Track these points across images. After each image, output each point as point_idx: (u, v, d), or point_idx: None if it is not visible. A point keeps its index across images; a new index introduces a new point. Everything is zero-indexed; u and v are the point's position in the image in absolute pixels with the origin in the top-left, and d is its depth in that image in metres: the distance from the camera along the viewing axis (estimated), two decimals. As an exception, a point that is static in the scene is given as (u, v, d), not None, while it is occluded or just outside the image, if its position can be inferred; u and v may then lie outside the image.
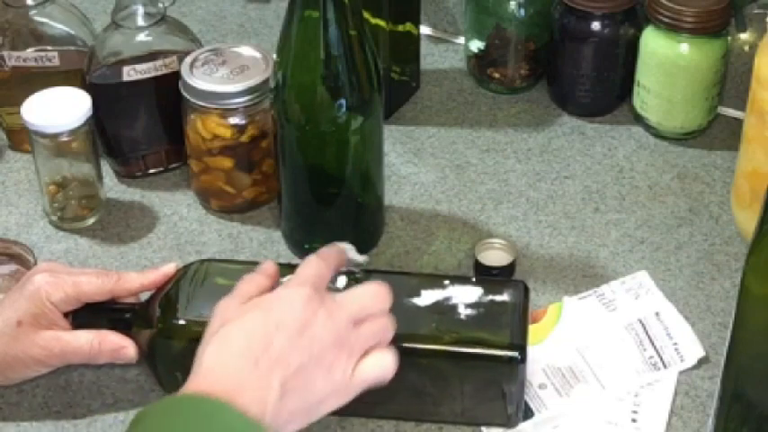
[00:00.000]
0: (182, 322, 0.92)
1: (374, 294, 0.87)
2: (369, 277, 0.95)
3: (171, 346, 0.93)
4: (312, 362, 0.82)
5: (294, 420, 0.81)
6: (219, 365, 0.81)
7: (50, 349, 0.93)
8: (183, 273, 0.96)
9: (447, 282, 0.94)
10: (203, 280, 0.95)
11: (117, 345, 0.94)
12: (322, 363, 0.82)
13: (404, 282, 0.96)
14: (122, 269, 1.09)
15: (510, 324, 0.91)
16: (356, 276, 0.95)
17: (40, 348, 0.93)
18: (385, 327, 0.86)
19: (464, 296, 0.93)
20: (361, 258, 0.94)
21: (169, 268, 0.96)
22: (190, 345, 0.92)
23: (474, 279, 0.95)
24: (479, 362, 0.89)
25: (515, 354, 0.89)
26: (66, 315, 0.94)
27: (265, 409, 0.79)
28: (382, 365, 0.85)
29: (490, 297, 0.93)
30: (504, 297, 0.93)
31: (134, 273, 0.96)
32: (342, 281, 0.93)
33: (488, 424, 0.94)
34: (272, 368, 0.80)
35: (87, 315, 0.95)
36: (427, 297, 0.93)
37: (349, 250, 0.93)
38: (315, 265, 0.88)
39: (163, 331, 0.93)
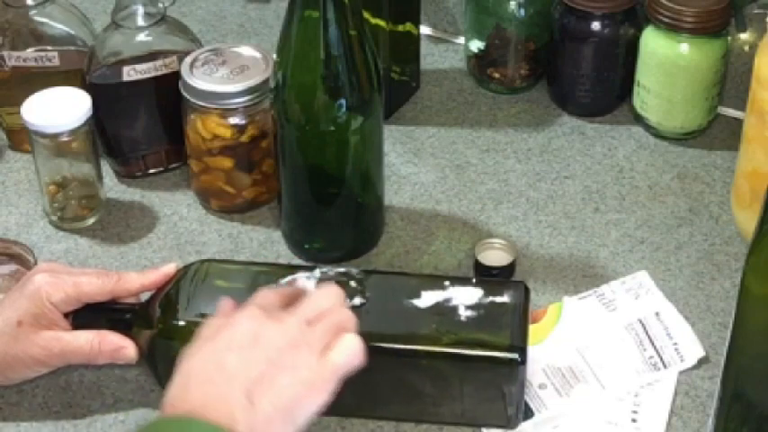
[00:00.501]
0: (182, 323, 0.92)
1: (323, 294, 0.87)
2: (368, 277, 0.95)
3: (171, 347, 0.93)
4: (271, 367, 0.81)
5: (275, 426, 0.80)
6: (180, 394, 0.80)
7: (50, 349, 0.93)
8: (183, 273, 0.96)
9: (447, 283, 0.94)
10: (203, 280, 0.95)
11: (117, 345, 0.94)
12: (282, 364, 0.81)
13: (404, 283, 0.96)
14: (122, 269, 1.09)
15: (510, 325, 0.91)
16: (356, 276, 0.95)
17: (40, 348, 0.93)
18: (342, 318, 0.85)
19: (464, 297, 0.93)
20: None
21: (169, 268, 0.96)
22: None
23: (474, 280, 0.95)
24: (479, 363, 0.89)
25: (515, 355, 0.89)
26: (66, 315, 0.94)
27: (236, 420, 0.78)
28: (348, 349, 0.83)
29: (490, 298, 0.93)
30: (504, 298, 0.93)
31: (134, 273, 0.96)
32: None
33: (488, 425, 0.94)
34: (231, 382, 0.80)
35: (87, 315, 0.95)
36: (427, 298, 0.93)
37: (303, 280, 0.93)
38: (261, 293, 0.89)
39: (163, 332, 0.93)
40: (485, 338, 0.90)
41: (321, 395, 0.82)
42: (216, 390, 0.80)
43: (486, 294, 0.93)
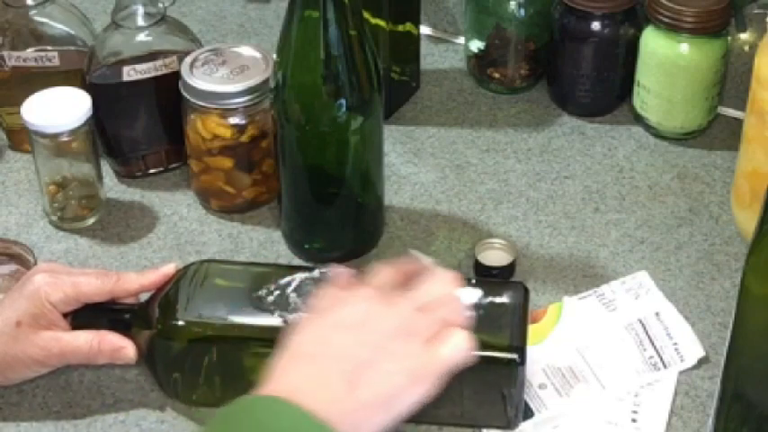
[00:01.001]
0: (181, 323, 0.92)
1: (439, 280, 0.86)
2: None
3: (170, 347, 0.93)
4: (377, 353, 0.80)
5: (375, 414, 0.79)
6: (280, 369, 0.80)
7: (49, 349, 0.93)
8: (182, 273, 0.96)
9: None
10: (203, 281, 0.95)
11: (116, 345, 0.94)
12: (388, 352, 0.80)
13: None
14: (122, 269, 1.09)
15: (509, 326, 0.91)
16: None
17: (39, 348, 0.93)
18: (456, 309, 0.84)
19: (463, 298, 0.92)
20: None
21: (168, 269, 0.96)
22: (189, 346, 0.92)
23: (473, 281, 0.94)
24: (479, 364, 0.89)
25: (515, 356, 0.89)
26: (65, 315, 0.94)
27: (332, 406, 0.77)
28: (457, 345, 0.82)
29: (489, 299, 0.93)
30: (503, 299, 0.93)
31: (133, 273, 0.96)
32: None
33: (488, 426, 0.94)
34: (332, 365, 0.79)
35: (87, 315, 0.95)
36: None
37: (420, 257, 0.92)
38: (380, 269, 0.87)
39: (162, 332, 0.93)
40: (484, 339, 0.90)
41: (423, 387, 0.81)
42: (318, 371, 0.79)
43: (486, 295, 0.93)
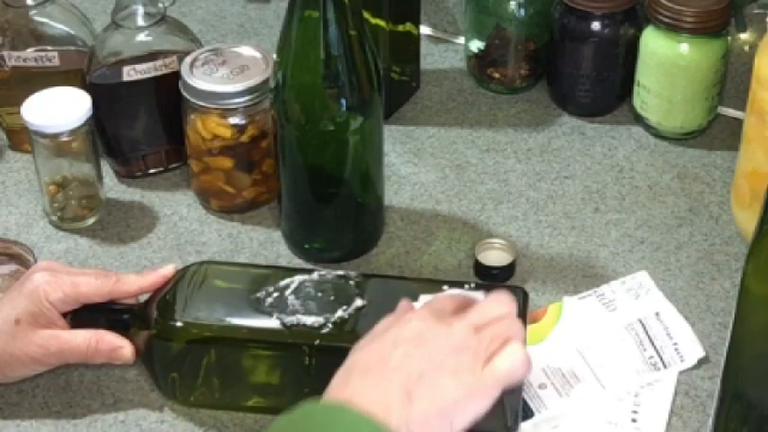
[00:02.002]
0: (179, 324, 0.92)
1: (495, 302, 0.87)
2: (367, 280, 0.95)
3: (168, 348, 0.93)
4: (434, 368, 0.80)
5: (431, 427, 0.79)
6: (340, 383, 0.81)
7: (48, 348, 0.93)
8: (181, 275, 0.96)
9: (445, 287, 0.94)
10: (202, 282, 0.95)
11: (114, 345, 0.94)
12: (445, 367, 0.81)
13: (402, 286, 0.96)
14: (122, 269, 1.09)
15: None
16: (354, 279, 0.95)
17: (37, 347, 0.93)
18: (510, 326, 0.84)
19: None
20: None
21: (167, 270, 0.96)
22: (187, 347, 0.92)
23: (473, 284, 0.94)
24: None
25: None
26: (64, 315, 0.94)
27: (390, 413, 0.77)
28: (512, 359, 0.82)
29: None
30: None
31: (132, 274, 0.96)
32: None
33: (486, 430, 0.94)
34: (392, 376, 0.80)
35: (85, 315, 0.95)
36: (425, 302, 0.93)
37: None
38: (436, 297, 0.89)
39: (160, 332, 0.93)
40: None
41: (481, 401, 0.81)
42: (375, 381, 0.80)
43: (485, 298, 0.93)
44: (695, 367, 0.99)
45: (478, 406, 0.81)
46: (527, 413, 0.95)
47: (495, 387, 0.82)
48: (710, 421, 0.91)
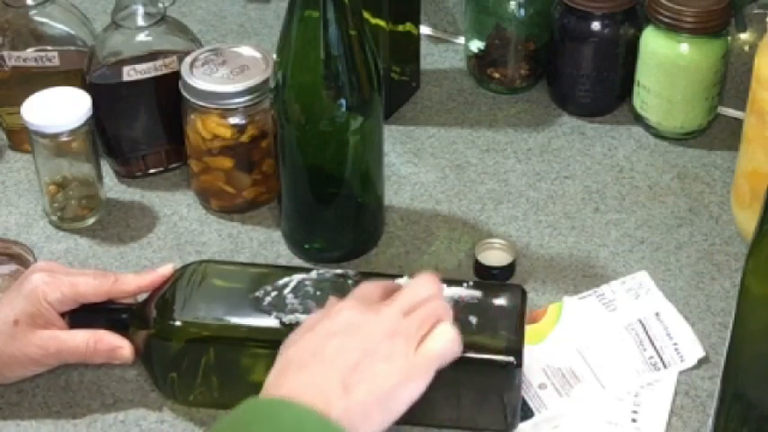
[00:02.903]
0: (178, 323, 0.92)
1: (420, 284, 0.88)
2: (365, 279, 0.95)
3: (167, 347, 0.93)
4: (368, 356, 0.82)
5: (371, 415, 0.80)
6: (276, 381, 0.82)
7: (47, 348, 0.93)
8: (179, 274, 0.96)
9: (444, 285, 0.94)
10: (200, 281, 0.95)
11: (113, 345, 0.94)
12: (378, 354, 0.82)
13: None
14: (122, 269, 1.09)
15: (507, 328, 0.91)
16: (353, 278, 0.95)
17: (36, 347, 0.93)
18: (438, 307, 0.86)
19: (461, 300, 0.93)
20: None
21: (166, 269, 0.96)
22: (186, 346, 0.92)
23: (471, 283, 0.94)
24: (476, 366, 0.89)
25: (511, 359, 0.89)
26: (63, 315, 0.94)
27: (330, 406, 0.79)
28: (443, 338, 0.84)
29: (487, 301, 0.93)
30: (501, 301, 0.93)
31: (131, 274, 0.96)
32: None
33: (485, 428, 0.94)
34: (327, 370, 0.81)
35: (84, 315, 0.95)
36: None
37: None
38: (362, 286, 0.90)
39: (159, 332, 0.93)
40: (481, 341, 0.90)
41: (417, 384, 0.82)
42: (311, 376, 0.81)
43: (483, 297, 0.93)
44: (695, 367, 0.99)
45: (415, 388, 0.82)
46: (527, 413, 0.95)
47: (429, 368, 0.83)
48: (710, 421, 0.91)
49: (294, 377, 0.81)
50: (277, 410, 0.78)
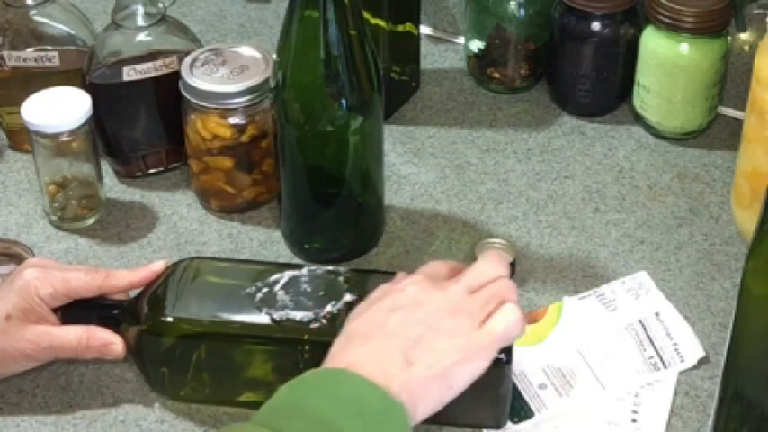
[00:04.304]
0: (169, 319, 0.93)
1: (487, 264, 0.88)
2: (357, 275, 0.95)
3: (158, 343, 0.93)
4: (431, 332, 0.82)
5: (431, 390, 0.81)
6: (339, 351, 0.82)
7: (39, 343, 0.93)
8: (172, 270, 0.96)
9: None
10: (192, 277, 0.96)
11: (105, 340, 0.94)
12: (441, 330, 0.82)
13: (387, 281, 0.96)
14: (122, 269, 1.09)
15: None
16: (344, 274, 0.95)
17: (28, 342, 0.93)
18: (504, 287, 0.86)
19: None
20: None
21: (158, 265, 0.97)
22: (177, 342, 0.92)
23: None
24: None
25: (501, 356, 0.89)
26: (55, 310, 0.94)
27: (391, 378, 0.79)
28: (507, 318, 0.84)
29: None
30: None
31: (123, 270, 0.96)
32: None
33: (476, 425, 0.94)
34: (390, 342, 0.81)
35: (76, 311, 0.95)
36: None
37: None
38: (430, 263, 0.90)
39: (151, 328, 0.93)
40: None
41: (479, 362, 0.83)
42: (374, 348, 0.81)
43: None
44: (695, 367, 0.99)
45: (477, 366, 0.83)
46: (527, 413, 0.95)
47: (491, 347, 0.84)
48: (710, 421, 0.91)
49: (357, 348, 0.82)
50: (338, 380, 0.79)
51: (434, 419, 0.93)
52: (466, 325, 0.83)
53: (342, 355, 0.82)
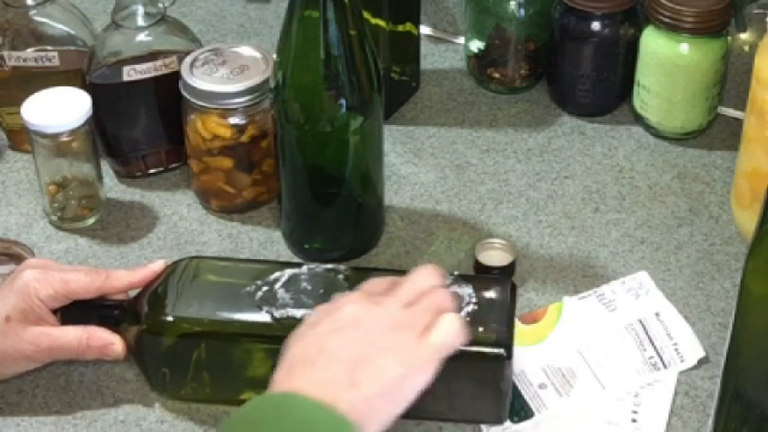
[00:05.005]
0: (170, 319, 0.93)
1: (419, 275, 0.88)
2: (356, 273, 0.95)
3: (159, 343, 0.93)
4: (373, 349, 0.82)
5: (379, 407, 0.81)
6: (283, 378, 0.82)
7: (38, 344, 0.93)
8: (171, 270, 0.96)
9: None
10: (192, 277, 0.96)
11: (105, 341, 0.94)
12: (382, 347, 0.82)
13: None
14: (122, 269, 1.09)
15: (497, 321, 0.91)
16: (343, 272, 0.95)
17: (27, 343, 0.93)
18: (441, 297, 0.86)
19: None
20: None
21: (157, 265, 0.97)
22: (177, 341, 0.93)
23: (460, 276, 0.95)
24: (466, 359, 0.89)
25: (501, 351, 0.89)
26: (55, 311, 0.94)
27: (337, 400, 0.79)
28: (448, 329, 0.84)
29: (478, 294, 0.93)
30: (491, 294, 0.93)
31: (122, 270, 0.96)
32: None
33: (477, 421, 0.94)
34: (333, 364, 0.81)
35: (76, 312, 0.95)
36: None
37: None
38: (370, 280, 0.90)
39: (151, 327, 0.93)
40: (471, 334, 0.90)
41: (423, 375, 0.83)
42: (318, 371, 0.81)
43: (474, 291, 0.93)
44: (695, 367, 0.99)
45: (421, 379, 0.83)
46: (527, 413, 0.95)
47: (434, 359, 0.84)
48: (710, 421, 0.91)
49: (301, 374, 0.81)
50: (286, 405, 0.79)
51: (435, 416, 0.94)
52: (406, 339, 0.83)
53: (288, 382, 0.81)
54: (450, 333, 0.85)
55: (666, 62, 1.17)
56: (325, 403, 0.78)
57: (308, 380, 0.80)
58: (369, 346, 0.82)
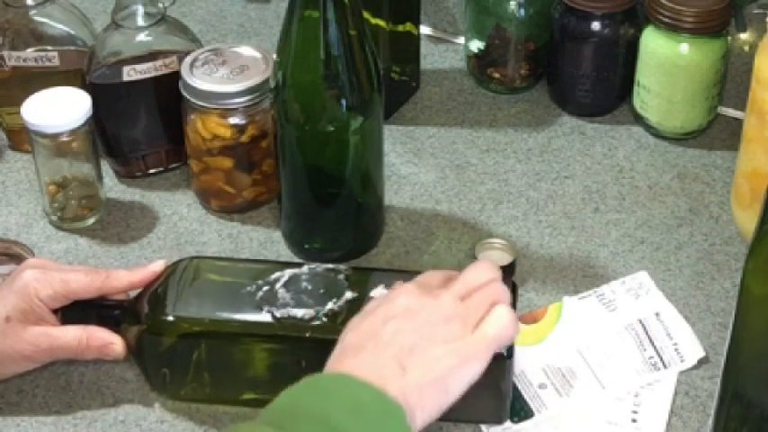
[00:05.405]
0: (170, 318, 0.93)
1: (477, 270, 0.89)
2: (356, 273, 0.95)
3: (159, 343, 0.93)
4: (424, 340, 0.83)
5: (428, 396, 0.81)
6: (335, 363, 0.83)
7: (38, 345, 0.93)
8: (172, 270, 0.96)
9: None
10: (193, 277, 0.96)
11: (105, 341, 0.94)
12: (435, 338, 0.83)
13: (392, 278, 0.96)
14: (122, 269, 1.09)
15: None
16: (344, 272, 0.95)
17: (27, 344, 0.93)
18: (495, 290, 0.87)
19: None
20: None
21: (157, 265, 0.97)
22: (178, 341, 0.93)
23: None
24: None
25: (501, 351, 0.89)
26: (55, 311, 0.94)
27: (387, 385, 0.79)
28: (499, 321, 0.85)
29: None
30: None
31: (123, 271, 0.97)
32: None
33: (477, 420, 0.94)
34: (384, 351, 0.82)
35: (76, 312, 0.95)
36: None
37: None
38: (425, 273, 0.91)
39: (151, 327, 0.93)
40: None
41: (474, 366, 0.84)
42: (369, 357, 0.82)
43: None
44: (695, 367, 0.99)
45: (472, 371, 0.84)
46: (527, 413, 0.95)
47: (486, 351, 0.84)
48: (710, 421, 0.91)
49: (352, 360, 0.82)
50: (335, 385, 0.80)
51: None
52: (459, 330, 0.84)
53: (338, 366, 0.82)
54: (502, 325, 0.85)
55: (666, 62, 1.17)
56: (375, 386, 0.79)
57: (358, 364, 0.81)
58: (420, 336, 0.83)
